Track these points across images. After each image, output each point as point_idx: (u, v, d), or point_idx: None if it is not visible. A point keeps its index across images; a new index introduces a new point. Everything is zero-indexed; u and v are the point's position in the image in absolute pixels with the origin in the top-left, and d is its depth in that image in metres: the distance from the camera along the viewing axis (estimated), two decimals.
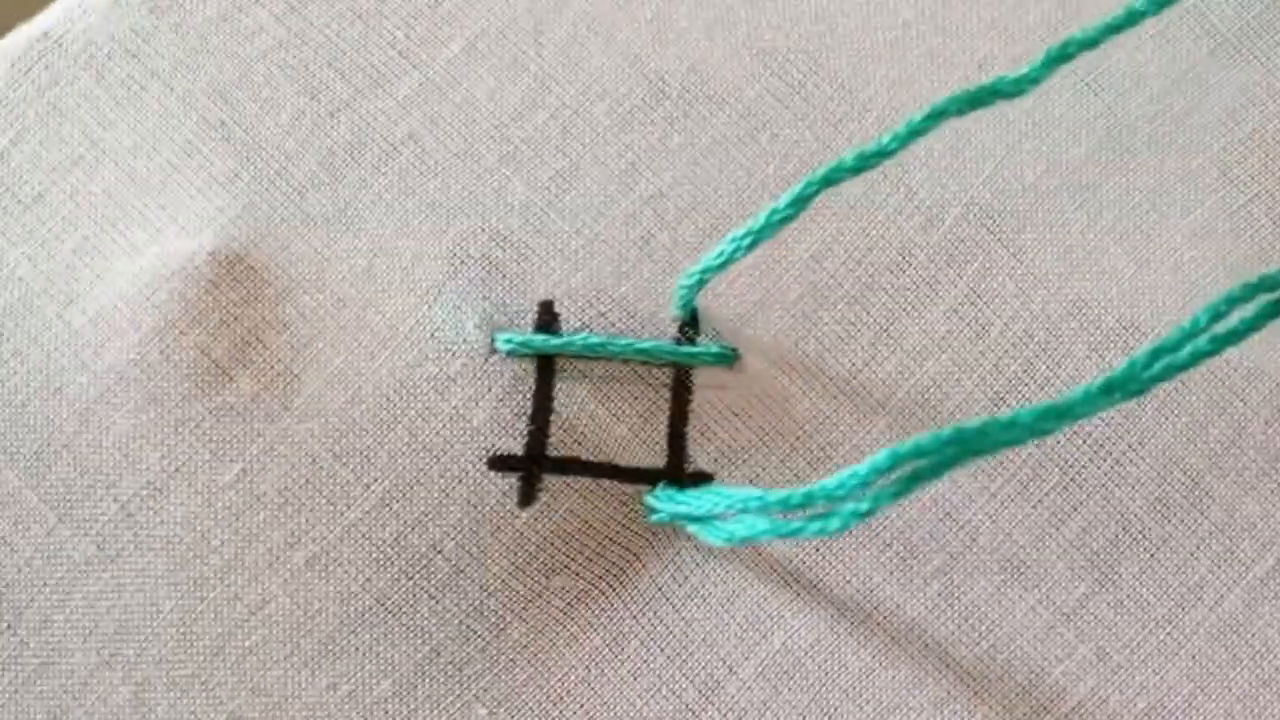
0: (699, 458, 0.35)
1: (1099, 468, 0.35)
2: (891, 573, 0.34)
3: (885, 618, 0.34)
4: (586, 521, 0.35)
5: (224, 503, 0.34)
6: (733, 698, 0.34)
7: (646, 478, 0.35)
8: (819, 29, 0.36)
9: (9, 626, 0.34)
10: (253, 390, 0.35)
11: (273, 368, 0.35)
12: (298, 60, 0.36)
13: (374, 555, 0.34)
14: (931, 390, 0.35)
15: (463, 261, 0.35)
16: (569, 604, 0.34)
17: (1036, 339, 0.35)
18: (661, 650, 0.34)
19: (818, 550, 0.35)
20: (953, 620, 0.34)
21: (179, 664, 0.34)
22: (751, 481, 0.35)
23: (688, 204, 0.35)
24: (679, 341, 0.35)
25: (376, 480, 0.34)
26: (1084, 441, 0.35)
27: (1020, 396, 0.35)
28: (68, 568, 0.34)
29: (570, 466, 0.35)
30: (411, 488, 0.34)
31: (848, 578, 0.35)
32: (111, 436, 0.34)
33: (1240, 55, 0.36)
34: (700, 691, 0.34)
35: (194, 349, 0.34)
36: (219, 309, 0.34)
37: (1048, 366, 0.35)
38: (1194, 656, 0.35)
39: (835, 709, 0.34)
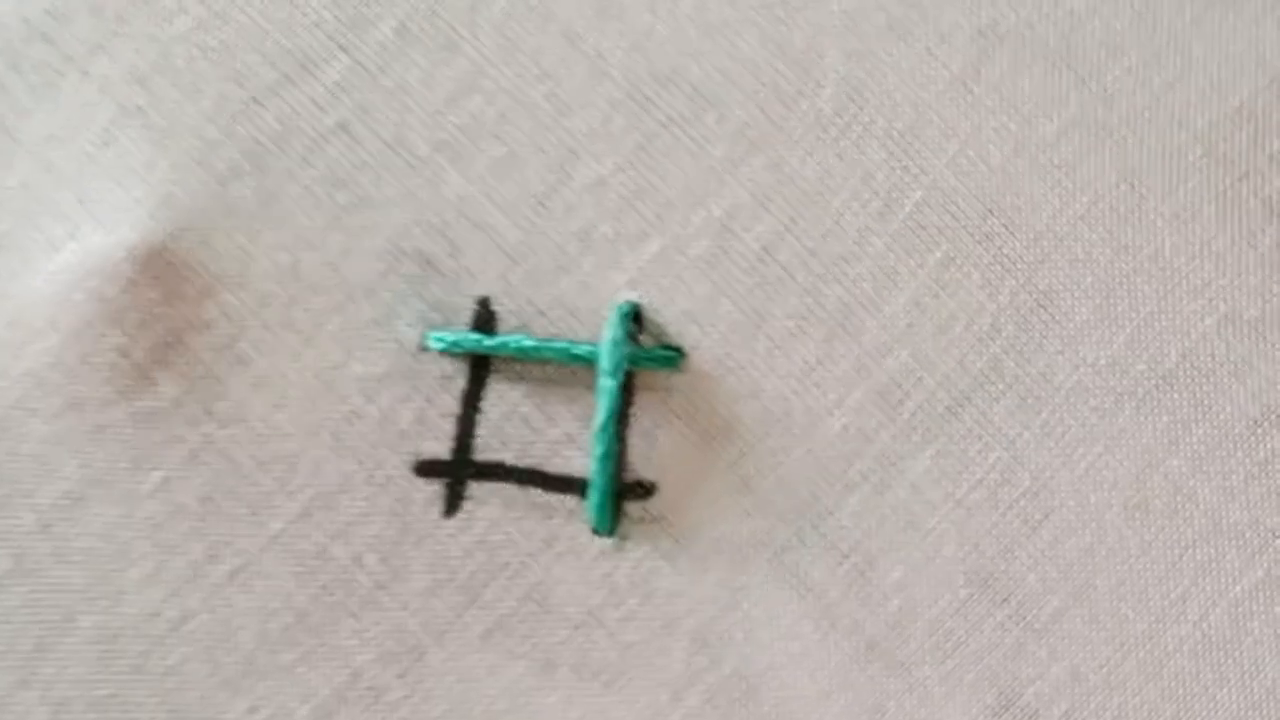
0: (641, 465, 0.32)
1: (1073, 471, 0.32)
2: (850, 587, 0.32)
3: (843, 636, 0.31)
4: (510, 534, 0.32)
5: (144, 513, 0.32)
6: None
7: (575, 487, 0.32)
8: (767, 4, 0.33)
9: None
10: (174, 394, 0.32)
11: (194, 370, 0.32)
12: (220, 43, 0.33)
13: (296, 569, 0.32)
14: (891, 389, 0.32)
15: (396, 257, 0.32)
16: (489, 629, 0.32)
17: (1005, 333, 0.32)
18: (596, 677, 0.32)
19: (768, 566, 0.32)
20: (916, 638, 0.31)
21: (98, 683, 0.32)
22: (699, 491, 0.32)
23: (631, 191, 0.32)
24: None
25: (300, 488, 0.32)
26: (1056, 444, 0.32)
27: (987, 394, 0.32)
28: None
29: (496, 472, 0.32)
30: (335, 496, 0.32)
31: (803, 594, 0.32)
32: (28, 444, 0.32)
33: (1225, 23, 0.32)
34: None
35: (113, 351, 0.32)
36: (138, 308, 0.32)
37: (1016, 362, 0.32)
38: (1177, 676, 0.31)
39: None
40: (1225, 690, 0.31)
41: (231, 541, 0.32)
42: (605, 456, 0.31)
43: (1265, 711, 0.31)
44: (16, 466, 0.32)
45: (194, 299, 0.32)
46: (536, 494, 0.32)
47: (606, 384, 0.31)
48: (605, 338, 0.31)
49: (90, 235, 0.32)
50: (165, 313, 0.32)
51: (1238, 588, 0.31)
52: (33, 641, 0.32)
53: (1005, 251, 0.32)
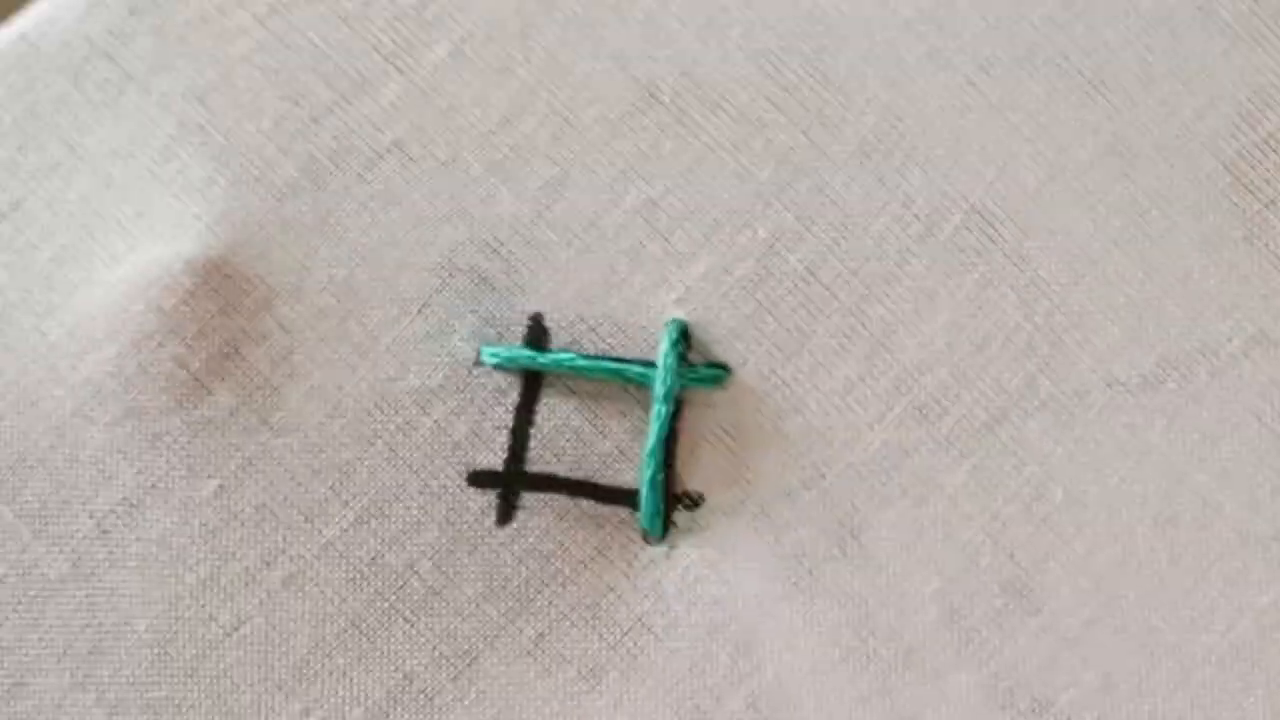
0: (689, 477, 0.33)
1: (1104, 486, 0.32)
2: (887, 596, 0.32)
3: (881, 643, 0.32)
4: (562, 543, 0.32)
5: (200, 519, 0.32)
6: None
7: (625, 498, 0.33)
8: (815, 29, 0.34)
9: None
10: (231, 404, 0.33)
11: (251, 380, 0.33)
12: (279, 64, 0.34)
13: (350, 575, 0.32)
14: (930, 406, 0.33)
15: (450, 273, 0.33)
16: (541, 634, 0.32)
17: (1040, 352, 0.33)
18: (643, 682, 0.32)
19: (810, 575, 0.32)
20: (952, 646, 0.32)
21: (153, 685, 0.32)
22: (744, 502, 0.33)
23: (680, 213, 0.33)
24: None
25: (355, 497, 0.32)
26: (1088, 459, 0.33)
27: (1022, 411, 0.33)
28: (41, 585, 0.32)
29: (549, 483, 0.33)
30: (389, 504, 0.32)
31: (843, 602, 0.32)
32: (87, 451, 0.33)
33: (1255, 56, 0.33)
34: None
35: (171, 361, 0.32)
36: (196, 320, 0.32)
37: (1051, 380, 0.33)
38: (1204, 685, 0.32)
39: None
40: (1251, 699, 0.32)
41: (286, 548, 0.32)
42: (655, 478, 0.32)
43: None
44: (75, 473, 0.32)
45: (251, 311, 0.33)
46: (588, 505, 0.32)
47: (659, 410, 0.32)
48: (659, 364, 0.32)
49: (150, 248, 0.33)
50: (223, 324, 0.33)
51: (1264, 598, 0.32)
52: (89, 644, 0.32)
53: (1040, 273, 0.33)
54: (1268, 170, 0.33)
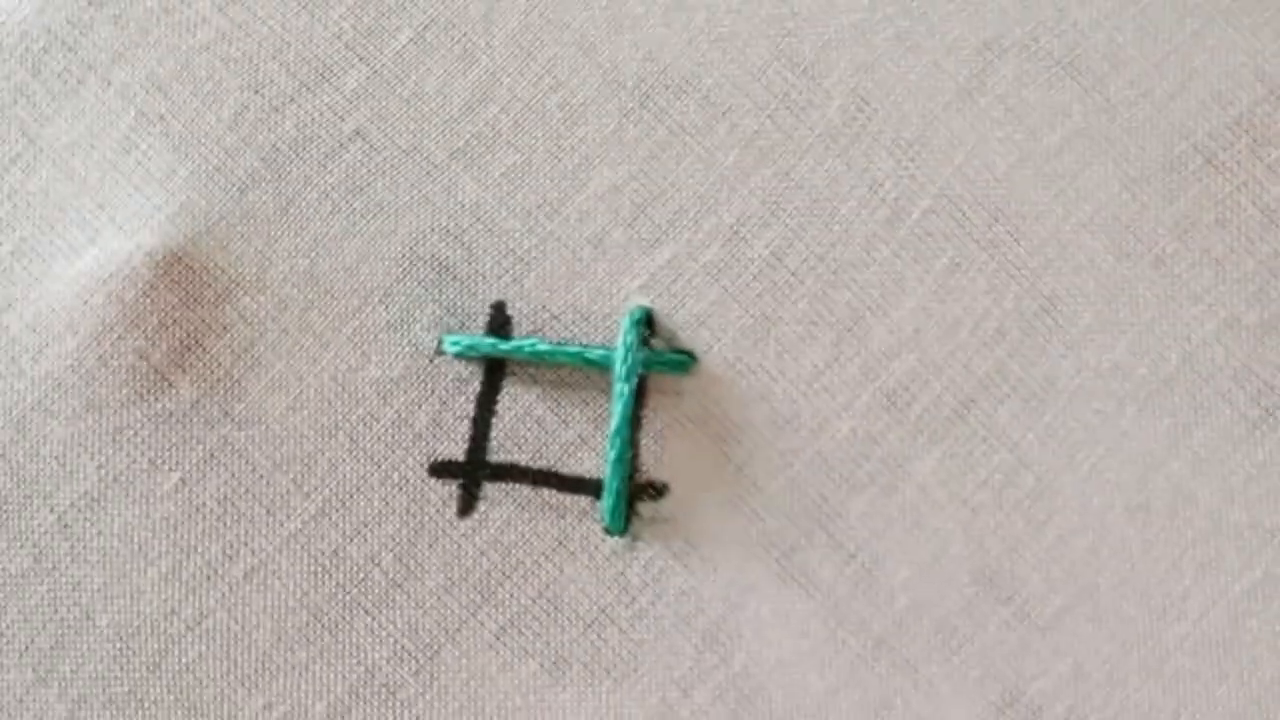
0: (652, 466, 0.32)
1: (1076, 473, 0.32)
2: (857, 586, 0.32)
3: (851, 634, 0.32)
4: (524, 534, 0.32)
5: (162, 513, 0.32)
6: None
7: (588, 488, 0.32)
8: (780, 12, 0.33)
9: None
10: (192, 396, 0.32)
11: (213, 373, 0.32)
12: (240, 53, 0.33)
13: (312, 568, 0.32)
14: (899, 392, 0.32)
15: (411, 262, 0.33)
16: (503, 626, 0.32)
17: (1009, 337, 0.32)
18: (608, 674, 0.32)
19: (778, 565, 0.32)
20: (922, 636, 0.32)
21: (115, 680, 0.32)
22: (710, 492, 0.32)
23: (643, 199, 0.33)
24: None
25: (316, 489, 0.32)
26: (1059, 446, 0.32)
27: (992, 397, 0.32)
28: (3, 581, 0.32)
29: (511, 473, 0.32)
30: (351, 496, 0.32)
31: (811, 592, 0.32)
32: (48, 445, 0.32)
33: (1225, 37, 0.33)
34: (650, 717, 0.31)
35: (132, 354, 0.32)
36: (157, 312, 0.32)
37: (1021, 366, 0.32)
38: (1177, 673, 0.32)
39: None
40: (1224, 687, 0.31)
41: (248, 541, 0.32)
42: (619, 460, 0.31)
43: (1264, 707, 0.31)
44: (36, 467, 0.32)
45: (212, 303, 0.32)
46: (550, 495, 0.32)
47: (621, 389, 0.31)
48: (619, 344, 0.31)
49: (110, 240, 0.32)
50: (184, 316, 0.32)
51: (1237, 587, 0.32)
52: (51, 639, 0.32)
53: (1010, 258, 0.32)
54: (1239, 152, 0.32)
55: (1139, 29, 0.33)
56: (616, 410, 0.31)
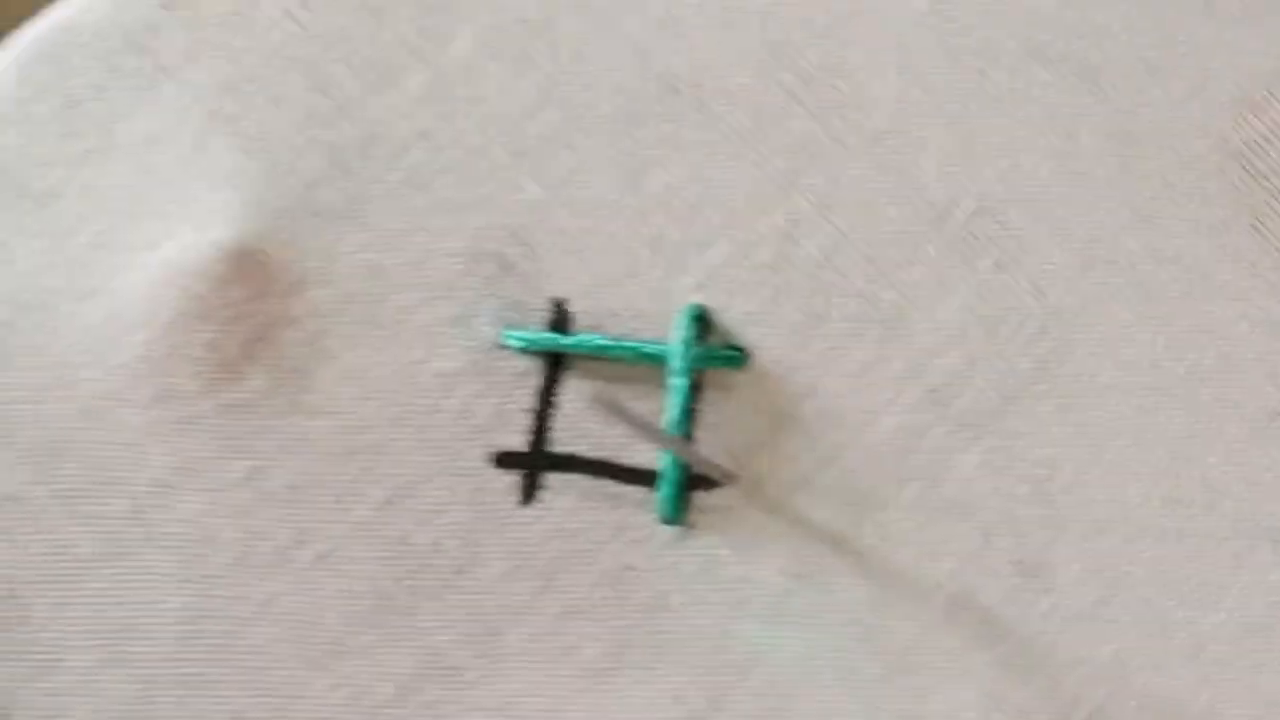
0: (708, 458, 0.33)
1: (1113, 467, 0.32)
2: (904, 577, 0.32)
3: (899, 623, 0.32)
4: (584, 523, 0.32)
5: (232, 500, 0.32)
6: (744, 706, 0.32)
7: (646, 479, 0.33)
8: (829, 22, 0.34)
9: (18, 622, 0.32)
10: (262, 387, 0.33)
11: (282, 364, 0.33)
12: (308, 56, 0.34)
13: (379, 553, 0.32)
14: (942, 388, 0.33)
15: (474, 259, 0.33)
16: (564, 611, 0.32)
17: (1051, 335, 0.33)
18: (665, 658, 0.32)
19: (828, 555, 0.32)
20: (968, 625, 0.32)
21: (185, 662, 0.32)
22: (762, 484, 0.33)
23: (698, 200, 0.33)
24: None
25: (384, 477, 0.32)
26: (1098, 440, 0.33)
27: (1033, 393, 0.33)
28: (76, 564, 0.32)
29: (571, 464, 0.33)
30: (417, 485, 0.32)
31: (861, 582, 0.32)
32: (121, 433, 0.33)
33: (1253, 40, 0.33)
34: (709, 700, 0.32)
35: (204, 345, 0.33)
36: (229, 305, 0.33)
37: (1060, 363, 0.33)
38: (1214, 661, 0.32)
39: (850, 717, 0.32)
40: (1262, 675, 0.32)
41: (317, 527, 0.32)
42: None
43: None
44: (109, 454, 0.32)
45: (282, 296, 0.33)
46: (609, 485, 0.32)
47: (677, 383, 0.32)
48: (675, 339, 0.32)
49: (184, 234, 0.33)
50: (255, 309, 0.33)
51: (1273, 576, 0.32)
52: (122, 621, 0.32)
53: (1051, 259, 0.33)
54: (1273, 159, 0.33)
55: (1167, 37, 0.33)
56: (673, 403, 0.32)
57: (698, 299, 0.33)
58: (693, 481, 0.32)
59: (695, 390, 0.32)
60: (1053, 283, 0.33)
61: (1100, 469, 0.32)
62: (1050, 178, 0.33)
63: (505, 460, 0.32)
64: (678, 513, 0.32)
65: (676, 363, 0.32)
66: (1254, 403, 0.33)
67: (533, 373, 0.33)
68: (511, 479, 0.32)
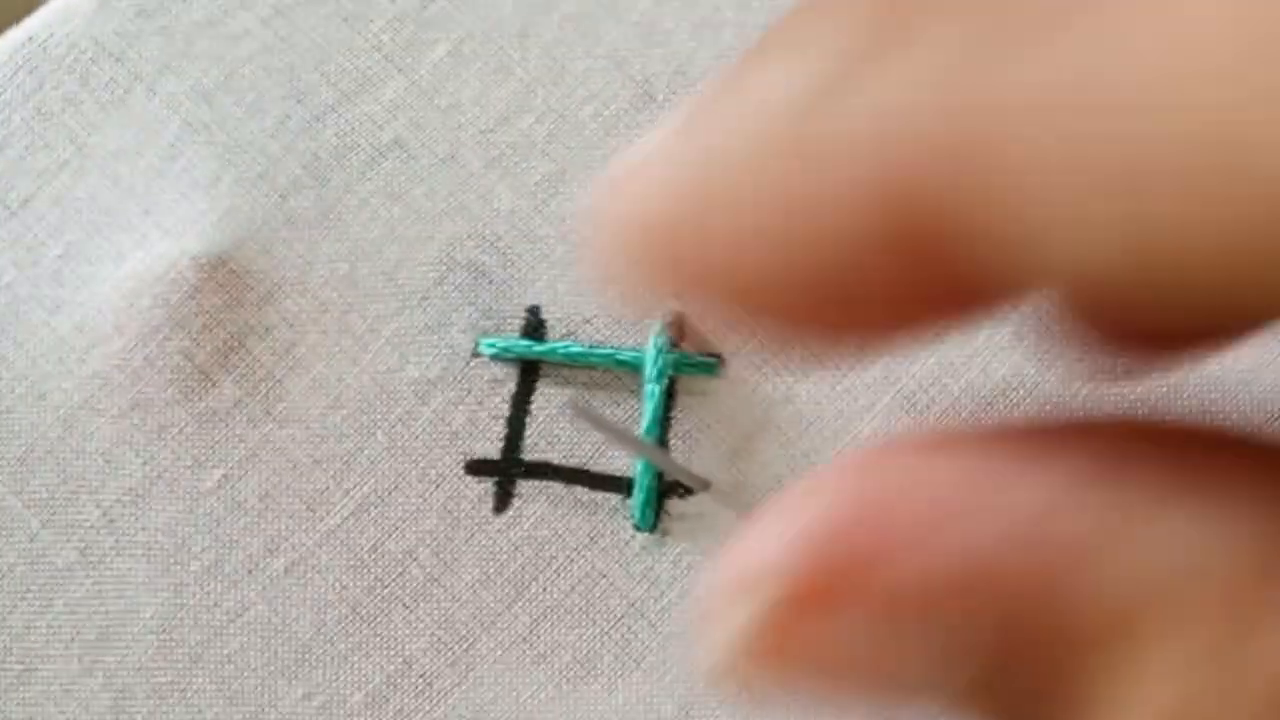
0: (681, 465, 0.32)
1: None
2: None
3: None
4: (556, 530, 0.32)
5: (205, 508, 0.32)
6: (715, 713, 0.32)
7: (618, 485, 0.32)
8: None
9: None
10: (235, 395, 0.33)
11: (255, 373, 0.33)
12: (283, 64, 0.33)
13: (351, 562, 0.32)
14: (918, 394, 0.33)
15: (449, 267, 0.33)
16: (536, 620, 0.32)
17: (1025, 343, 0.33)
18: (638, 666, 0.32)
19: None
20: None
21: (158, 671, 0.32)
22: (736, 490, 0.32)
23: None
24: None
25: (355, 486, 0.32)
26: None
27: (1009, 400, 0.32)
28: (50, 574, 0.32)
29: (544, 471, 0.32)
30: (389, 493, 0.32)
31: None
32: (95, 442, 0.32)
33: None
34: (679, 707, 0.32)
35: (177, 354, 0.32)
36: (202, 314, 0.32)
37: (1036, 370, 0.33)
38: None
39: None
40: None
41: (289, 536, 0.32)
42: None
43: None
44: (83, 464, 0.32)
45: (255, 305, 0.33)
46: (582, 492, 0.32)
47: (651, 389, 0.32)
48: (650, 345, 0.32)
49: (156, 244, 0.33)
50: (228, 318, 0.32)
51: None
52: (97, 630, 0.32)
53: None
54: None
55: None
56: (647, 409, 0.32)
57: (673, 305, 0.33)
58: (666, 489, 0.32)
59: (670, 397, 0.32)
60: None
61: None
62: None
63: (478, 468, 0.32)
64: (651, 520, 0.32)
65: (650, 368, 0.32)
66: (1228, 410, 0.32)
67: (507, 380, 0.33)
68: (484, 487, 0.32)
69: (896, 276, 0.13)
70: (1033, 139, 0.12)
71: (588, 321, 0.33)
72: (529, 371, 0.33)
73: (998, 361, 0.32)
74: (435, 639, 0.32)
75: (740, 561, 0.14)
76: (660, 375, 0.32)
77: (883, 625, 0.13)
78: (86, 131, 0.33)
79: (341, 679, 0.32)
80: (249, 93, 0.33)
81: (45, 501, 0.32)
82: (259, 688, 0.32)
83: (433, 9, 0.34)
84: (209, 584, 0.32)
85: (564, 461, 0.32)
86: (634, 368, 0.32)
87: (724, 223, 0.14)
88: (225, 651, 0.32)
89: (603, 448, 0.32)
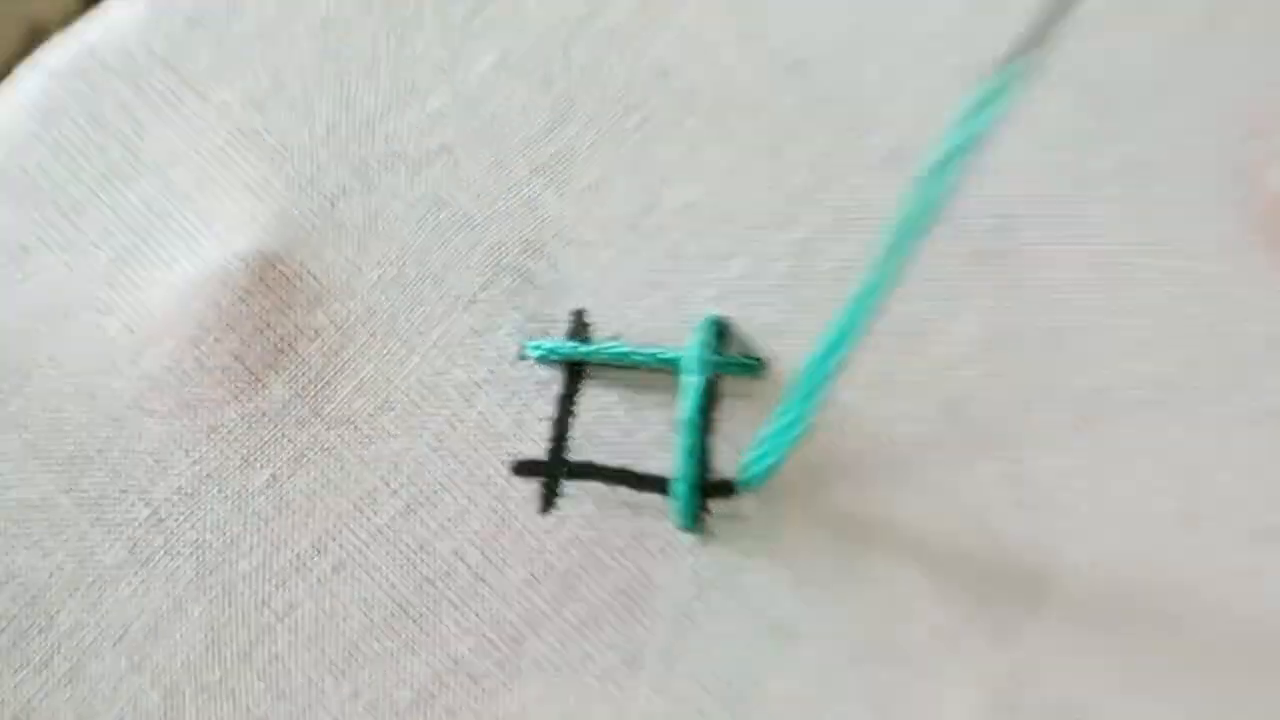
0: (724, 466, 0.33)
1: (1128, 480, 0.32)
2: (918, 584, 0.32)
3: (914, 627, 0.32)
4: (602, 531, 0.33)
5: (254, 508, 0.33)
6: (760, 712, 0.32)
7: (661, 486, 0.33)
8: (847, 43, 0.34)
9: (42, 630, 0.32)
10: (284, 396, 0.33)
11: (304, 374, 0.33)
12: (332, 73, 0.34)
13: (398, 561, 0.32)
14: (960, 398, 0.33)
15: (495, 272, 0.33)
16: (583, 619, 0.32)
17: (1066, 350, 0.33)
18: (683, 666, 0.32)
19: (845, 563, 0.32)
20: (980, 633, 0.32)
21: (207, 669, 0.32)
22: (779, 492, 0.33)
23: (718, 215, 0.33)
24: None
25: (403, 486, 0.33)
26: (1111, 454, 0.32)
27: (1049, 406, 0.33)
28: (99, 572, 0.32)
29: (589, 472, 0.33)
30: (437, 493, 0.33)
31: (876, 589, 0.32)
32: (144, 442, 0.33)
33: (1262, 68, 0.34)
34: (726, 707, 0.32)
35: (228, 355, 0.33)
36: (252, 316, 0.33)
37: (1077, 378, 0.33)
38: (1224, 671, 0.32)
39: None
40: (1273, 684, 0.32)
41: (337, 535, 0.32)
42: (690, 451, 0.32)
43: None
44: (132, 462, 0.33)
45: (305, 308, 0.33)
46: (626, 493, 0.32)
47: (690, 380, 0.32)
48: (692, 339, 0.32)
49: (208, 248, 0.33)
50: (278, 320, 0.33)
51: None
52: (145, 628, 0.32)
53: (1065, 276, 0.33)
54: (1273, 171, 0.33)
55: (1180, 64, 0.34)
56: (686, 401, 0.32)
57: (716, 310, 0.33)
58: (710, 489, 0.32)
59: (713, 398, 0.33)
60: (1066, 299, 0.33)
61: (1115, 482, 0.32)
62: (1063, 195, 0.33)
63: (524, 469, 0.33)
64: (694, 521, 0.32)
65: (689, 363, 0.32)
66: (1267, 420, 0.33)
67: (552, 382, 0.33)
68: (530, 487, 0.32)
69: None
70: None
71: (631, 326, 0.33)
72: (574, 373, 0.33)
73: (1038, 368, 0.33)
74: (483, 638, 0.32)
75: None
76: (699, 367, 0.32)
77: None
78: (139, 137, 0.34)
79: (389, 677, 0.32)
80: (298, 100, 0.34)
81: (95, 501, 0.32)
82: (307, 685, 0.32)
83: (478, 22, 0.34)
84: (257, 583, 0.32)
85: (609, 462, 0.33)
86: (677, 366, 0.32)
87: None
88: (273, 650, 0.32)
89: (647, 448, 0.33)
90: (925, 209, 0.27)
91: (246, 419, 0.33)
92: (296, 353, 0.33)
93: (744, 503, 0.32)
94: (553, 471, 0.33)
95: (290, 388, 0.33)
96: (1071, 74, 0.34)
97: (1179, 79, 0.34)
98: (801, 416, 0.30)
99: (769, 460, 0.32)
